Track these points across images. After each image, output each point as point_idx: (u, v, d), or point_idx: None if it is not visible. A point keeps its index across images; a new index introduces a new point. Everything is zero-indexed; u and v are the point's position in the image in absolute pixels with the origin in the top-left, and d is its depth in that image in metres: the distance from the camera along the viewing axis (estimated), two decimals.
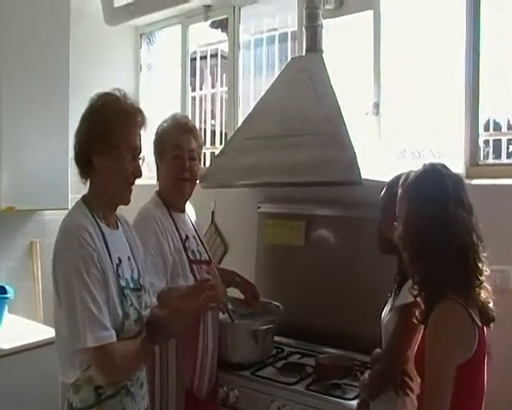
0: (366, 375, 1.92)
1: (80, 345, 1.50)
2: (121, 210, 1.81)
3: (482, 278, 1.55)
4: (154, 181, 2.35)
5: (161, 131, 2.28)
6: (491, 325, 1.58)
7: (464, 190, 1.60)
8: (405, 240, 1.61)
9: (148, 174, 2.50)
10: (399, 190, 1.68)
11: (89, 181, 1.72)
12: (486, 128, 2.55)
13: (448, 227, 1.52)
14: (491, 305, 1.55)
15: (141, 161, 1.72)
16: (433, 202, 1.54)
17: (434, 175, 1.60)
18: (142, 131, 1.73)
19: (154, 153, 2.29)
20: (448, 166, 1.64)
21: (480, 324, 1.51)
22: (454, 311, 1.49)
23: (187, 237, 2.24)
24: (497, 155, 2.55)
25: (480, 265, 1.55)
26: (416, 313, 1.61)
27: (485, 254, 1.57)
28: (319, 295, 2.70)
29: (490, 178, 2.39)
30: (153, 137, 2.31)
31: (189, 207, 2.39)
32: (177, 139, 2.23)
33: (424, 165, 1.64)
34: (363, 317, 2.41)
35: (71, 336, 1.53)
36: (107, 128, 1.64)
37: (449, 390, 1.46)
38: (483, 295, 1.54)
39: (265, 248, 3.03)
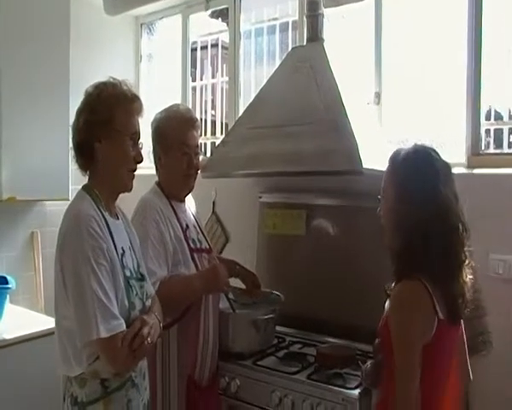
0: (368, 364, 1.93)
1: (92, 336, 1.49)
2: (121, 200, 1.80)
3: (462, 268, 1.54)
4: (154, 171, 2.33)
5: (166, 124, 2.24)
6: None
7: (452, 177, 1.59)
8: (391, 213, 1.60)
9: (149, 164, 2.49)
10: (388, 165, 1.67)
11: (89, 171, 1.72)
12: (488, 117, 2.55)
13: (436, 208, 1.52)
14: (462, 301, 1.54)
15: (140, 148, 1.73)
16: (424, 181, 1.53)
17: (425, 156, 1.60)
18: (140, 118, 1.73)
19: (157, 144, 2.26)
20: (448, 154, 1.63)
21: (441, 317, 1.50)
22: (415, 288, 1.49)
23: (187, 226, 2.24)
24: (499, 144, 2.55)
25: (462, 255, 1.54)
26: (386, 287, 1.61)
27: (470, 248, 1.56)
28: (320, 284, 2.70)
29: (491, 167, 2.39)
30: (151, 126, 2.29)
31: (189, 197, 2.39)
32: (186, 136, 2.22)
33: (415, 145, 1.63)
34: (364, 306, 2.41)
35: (81, 327, 1.52)
36: (109, 113, 1.63)
37: (417, 360, 1.47)
38: (458, 288, 1.53)
39: (266, 238, 3.03)
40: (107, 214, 1.66)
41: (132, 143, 1.69)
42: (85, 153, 1.67)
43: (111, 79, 1.70)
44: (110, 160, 1.66)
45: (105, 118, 1.63)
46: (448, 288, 1.51)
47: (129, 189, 1.73)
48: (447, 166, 1.60)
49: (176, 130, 2.22)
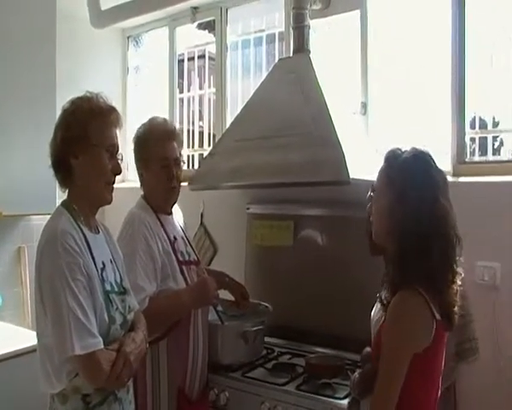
0: (356, 374, 1.93)
1: (68, 353, 1.48)
2: (108, 213, 1.79)
3: (455, 279, 1.54)
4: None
5: (143, 139, 2.24)
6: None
7: (448, 186, 1.59)
8: (384, 215, 1.59)
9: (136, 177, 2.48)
10: (384, 165, 1.64)
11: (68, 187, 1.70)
12: (472, 126, 2.57)
13: (434, 217, 1.51)
14: (455, 309, 1.55)
15: (119, 159, 1.72)
16: (423, 190, 1.52)
17: (425, 163, 1.58)
18: (118, 130, 1.72)
19: (138, 161, 2.26)
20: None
21: (439, 318, 1.50)
22: (414, 300, 1.49)
23: (175, 238, 2.23)
24: (483, 152, 2.57)
25: (454, 266, 1.54)
26: (382, 297, 1.59)
27: (461, 259, 1.56)
28: (309, 295, 2.70)
29: (476, 175, 2.41)
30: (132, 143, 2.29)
31: (176, 209, 2.38)
32: (163, 150, 2.20)
33: (414, 149, 1.60)
34: (352, 316, 2.42)
35: (58, 344, 1.50)
36: (83, 127, 1.63)
37: (401, 376, 1.47)
38: (452, 297, 1.53)
39: (255, 249, 3.02)
40: (86, 229, 1.65)
41: (109, 156, 1.67)
42: (63, 169, 1.65)
43: (87, 94, 1.69)
44: (87, 174, 1.65)
45: (79, 133, 1.62)
46: (444, 296, 1.51)
47: (108, 202, 1.71)
48: (444, 175, 1.59)
49: (153, 144, 2.20)
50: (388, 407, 1.47)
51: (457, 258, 1.54)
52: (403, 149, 1.62)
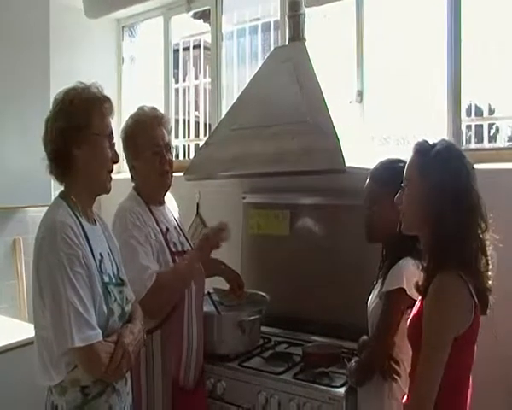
0: (353, 362, 1.93)
1: (67, 345, 1.48)
2: (102, 205, 1.78)
3: (488, 263, 1.56)
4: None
5: (133, 129, 2.22)
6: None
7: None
8: (420, 206, 1.59)
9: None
10: (414, 157, 1.64)
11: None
12: (468, 113, 2.57)
13: (472, 206, 1.54)
14: (490, 292, 1.57)
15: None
16: (460, 180, 1.54)
17: (459, 154, 1.60)
18: (111, 119, 1.72)
19: (128, 153, 2.24)
20: None
21: (477, 301, 1.52)
22: (454, 281, 1.50)
23: (167, 229, 2.22)
24: (479, 139, 2.57)
25: (487, 251, 1.56)
26: (418, 283, 1.60)
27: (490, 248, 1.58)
28: (305, 283, 2.70)
29: (472, 162, 2.40)
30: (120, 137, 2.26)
31: (170, 199, 2.37)
32: (154, 136, 2.19)
33: (443, 140, 1.62)
34: (349, 304, 2.41)
35: (57, 336, 1.50)
36: (85, 118, 1.62)
37: (444, 358, 1.47)
38: (487, 281, 1.56)
39: (251, 239, 3.02)
40: (84, 220, 1.64)
41: (109, 145, 1.68)
42: (63, 161, 1.64)
43: (79, 84, 1.68)
44: (90, 164, 1.64)
45: (81, 123, 1.61)
46: (480, 280, 1.54)
47: (108, 190, 1.71)
48: (472, 164, 1.61)
49: (142, 132, 2.19)
50: (430, 393, 1.47)
51: (488, 247, 1.57)
52: (430, 142, 1.63)
